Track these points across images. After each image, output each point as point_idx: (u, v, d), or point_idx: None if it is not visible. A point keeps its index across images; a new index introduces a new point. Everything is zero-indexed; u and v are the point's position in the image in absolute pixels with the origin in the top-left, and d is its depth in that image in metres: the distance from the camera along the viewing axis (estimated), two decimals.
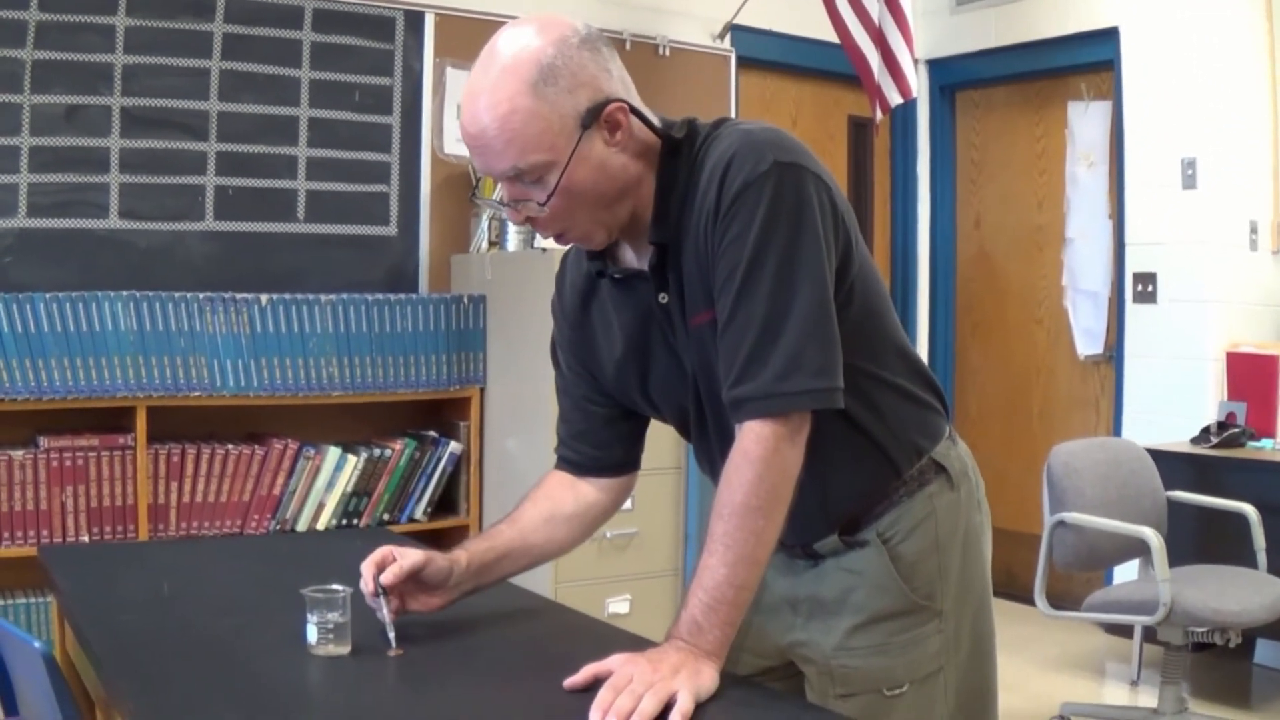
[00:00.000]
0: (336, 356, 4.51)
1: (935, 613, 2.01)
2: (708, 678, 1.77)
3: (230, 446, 4.39)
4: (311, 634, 1.96)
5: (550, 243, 4.23)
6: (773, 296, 1.81)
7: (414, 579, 2.03)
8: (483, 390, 4.77)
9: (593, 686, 1.75)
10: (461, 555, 2.09)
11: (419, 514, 4.72)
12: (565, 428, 2.20)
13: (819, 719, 1.83)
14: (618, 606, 4.54)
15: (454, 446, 4.74)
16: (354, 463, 4.57)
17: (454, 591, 2.10)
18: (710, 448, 2.04)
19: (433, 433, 4.77)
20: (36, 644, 1.92)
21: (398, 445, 4.66)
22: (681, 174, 1.90)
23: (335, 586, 1.98)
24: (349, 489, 4.58)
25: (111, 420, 4.25)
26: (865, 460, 2.00)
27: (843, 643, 2.01)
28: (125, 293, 4.20)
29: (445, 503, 4.82)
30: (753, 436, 1.82)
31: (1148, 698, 4.76)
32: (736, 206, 1.82)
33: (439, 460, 4.72)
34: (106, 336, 4.15)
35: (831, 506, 2.00)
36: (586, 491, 2.19)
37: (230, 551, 2.99)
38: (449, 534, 4.72)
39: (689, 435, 2.09)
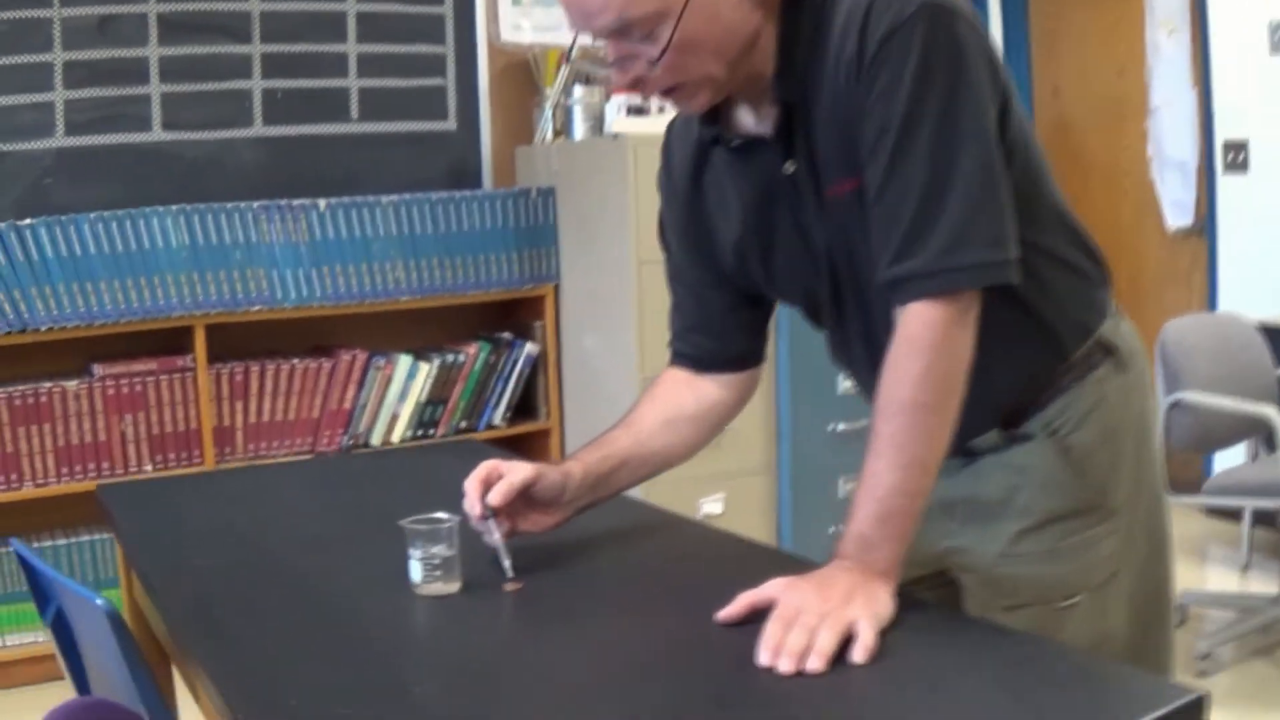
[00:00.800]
0: (401, 260, 4.34)
1: (1109, 511, 1.81)
2: (884, 602, 1.56)
3: (295, 361, 4.25)
4: (415, 571, 1.76)
5: (622, 127, 4.27)
6: (933, 158, 1.57)
7: (524, 496, 1.86)
8: (557, 288, 4.59)
9: (749, 620, 1.55)
10: (574, 467, 1.92)
11: (498, 420, 4.59)
12: (680, 319, 2.01)
13: (990, 637, 1.60)
14: (711, 507, 4.37)
15: (530, 348, 4.58)
16: (426, 370, 4.43)
17: (568, 508, 1.92)
18: (846, 338, 1.83)
19: (507, 334, 4.62)
20: (99, 600, 1.69)
21: (471, 349, 4.51)
22: (807, 22, 1.66)
23: (439, 515, 1.79)
24: (423, 398, 4.45)
25: (169, 342, 4.12)
26: (1030, 343, 1.78)
27: (1008, 549, 1.81)
28: (175, 207, 4.03)
29: (524, 407, 4.68)
30: (918, 321, 1.60)
31: (1260, 584, 4.59)
32: (883, 55, 1.57)
33: (515, 363, 4.57)
34: (158, 254, 3.99)
35: (993, 397, 1.77)
36: (707, 389, 2.00)
37: (306, 477, 2.75)
38: (530, 439, 4.60)
39: (820, 322, 1.89)
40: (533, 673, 1.51)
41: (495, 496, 1.81)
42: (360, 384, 4.35)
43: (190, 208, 4.05)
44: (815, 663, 1.44)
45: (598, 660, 1.57)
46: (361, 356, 4.34)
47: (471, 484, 1.83)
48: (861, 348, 1.80)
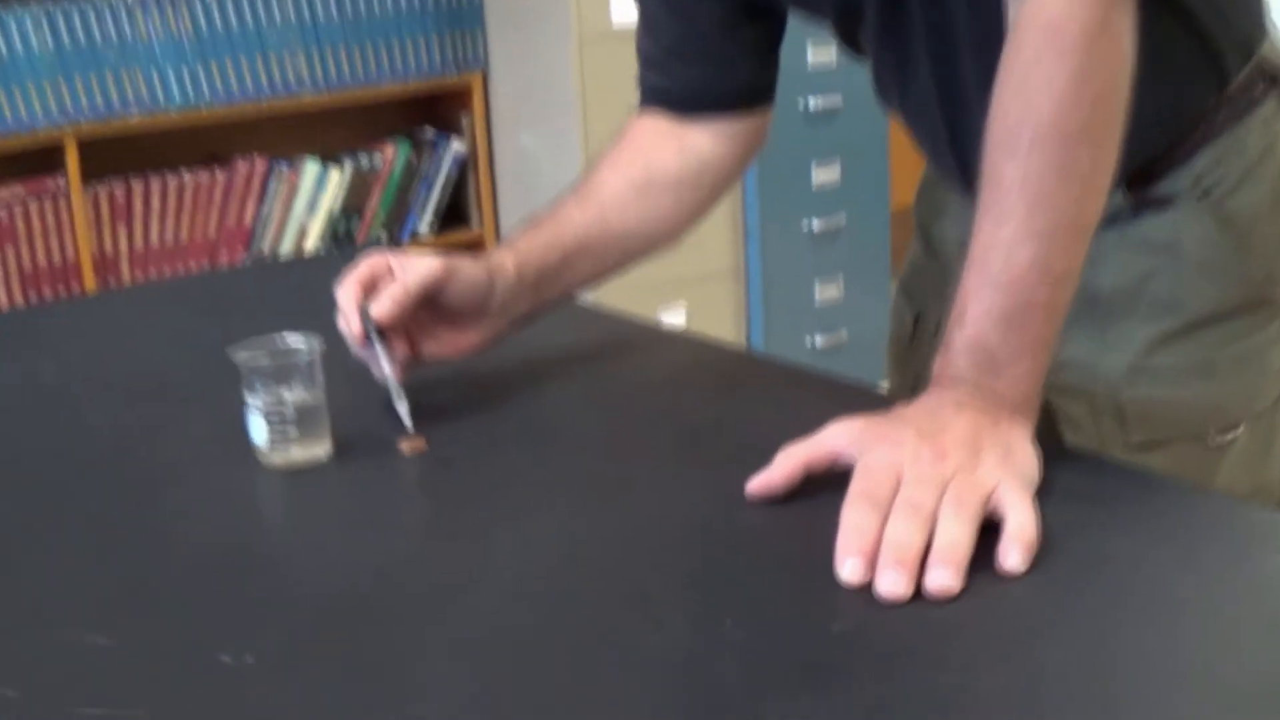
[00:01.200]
0: (303, 50, 3.93)
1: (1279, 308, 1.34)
2: (1027, 454, 1.05)
3: (185, 174, 3.85)
4: (258, 430, 1.23)
5: None
6: None
7: (430, 306, 1.35)
8: (485, 75, 4.19)
9: (800, 491, 1.07)
10: (505, 258, 1.40)
11: (423, 229, 4.22)
12: (652, 42, 1.53)
13: (1133, 483, 1.12)
14: (672, 317, 4.01)
15: (456, 146, 4.19)
16: (338, 176, 4.06)
17: (498, 320, 1.40)
18: (906, 61, 1.34)
19: (429, 132, 4.23)
20: None
21: (389, 150, 4.13)
22: None
23: (291, 337, 1.27)
24: (335, 208, 4.08)
25: (36, 162, 3.70)
26: (1176, 60, 1.28)
27: (1140, 361, 1.33)
28: (33, 4, 3.61)
29: (453, 214, 4.31)
30: (1059, 8, 1.10)
31: None
32: None
33: (440, 164, 4.19)
34: (16, 61, 3.58)
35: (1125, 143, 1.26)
36: (696, 142, 1.50)
37: (160, 300, 2.15)
38: (462, 251, 4.11)
39: (857, 43, 1.42)
40: (443, 597, 0.99)
41: (382, 307, 1.30)
42: (261, 196, 3.98)
43: (51, 4, 3.63)
44: (946, 577, 0.92)
45: (549, 571, 1.03)
46: (261, 165, 3.96)
47: (347, 291, 1.32)
48: (931, 79, 1.31)
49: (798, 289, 4.14)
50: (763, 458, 1.07)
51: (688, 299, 4.04)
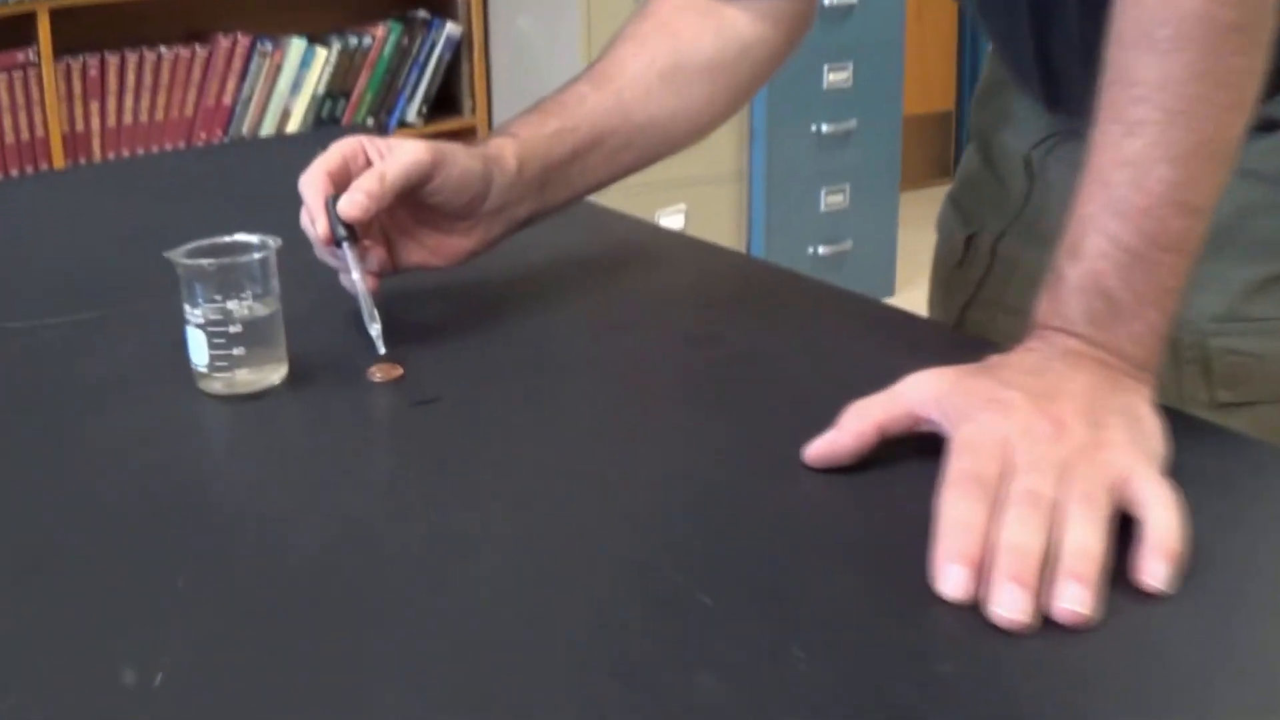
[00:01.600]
0: None
1: None
2: (1153, 425, 0.86)
3: (163, 49, 3.73)
4: (198, 348, 1.02)
5: None
6: None
7: (413, 203, 1.14)
8: None
9: (870, 461, 0.87)
10: (506, 148, 1.17)
11: (411, 116, 4.11)
12: None
13: (1227, 445, 0.94)
14: (670, 220, 3.88)
15: (450, 29, 4.08)
16: (324, 56, 3.96)
17: (492, 223, 1.18)
18: None
19: (422, 12, 4.11)
20: None
21: (379, 30, 4.02)
22: None
23: (243, 236, 1.05)
24: (320, 90, 3.97)
25: (5, 34, 3.57)
26: None
27: (1236, 307, 1.15)
28: None
29: (444, 101, 4.20)
30: None
31: None
32: None
33: (433, 46, 4.08)
34: None
35: None
36: (737, 21, 1.29)
37: (115, 181, 1.88)
38: (453, 138, 4.00)
39: None
40: (414, 567, 0.78)
41: (354, 203, 1.07)
42: (243, 75, 3.87)
43: None
44: (1080, 598, 0.70)
45: (545, 549, 0.80)
46: (244, 41, 3.84)
47: (312, 181, 1.10)
48: None
49: (802, 195, 4.03)
50: (809, 401, 0.89)
51: (687, 201, 3.93)
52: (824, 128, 3.97)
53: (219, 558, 0.78)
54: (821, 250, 4.03)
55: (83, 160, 3.65)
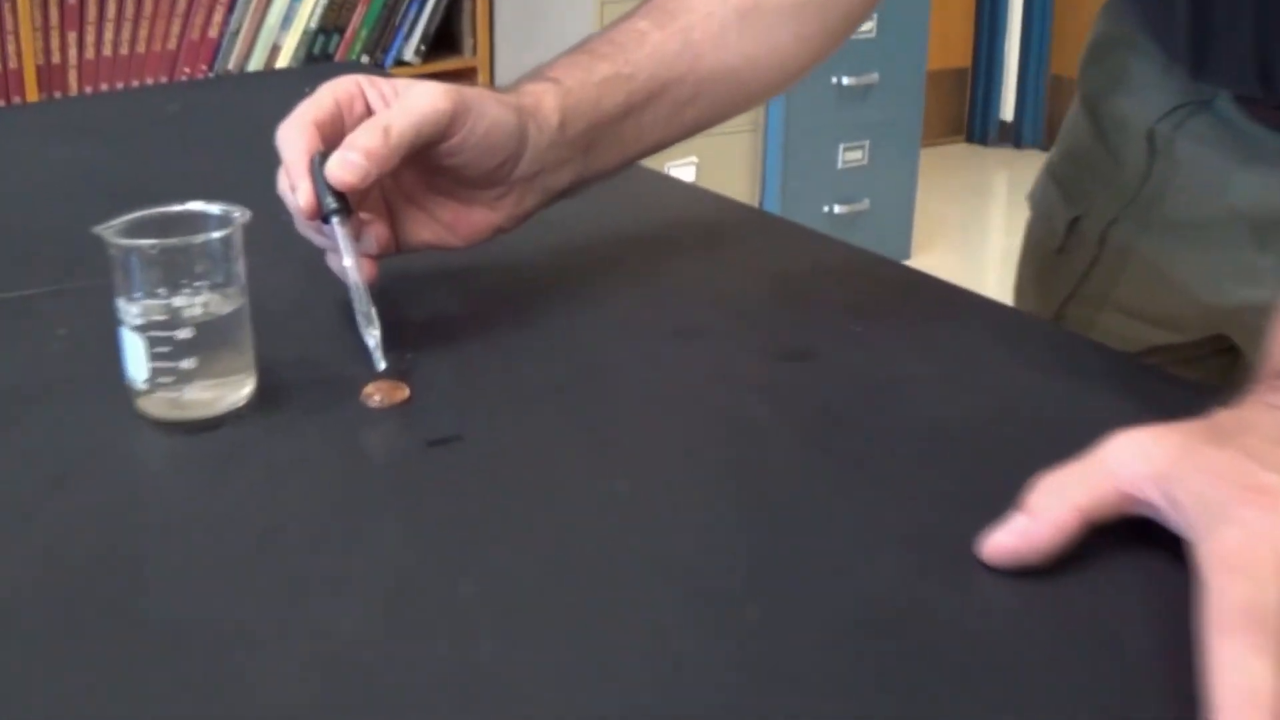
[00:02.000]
0: None
1: None
2: None
3: None
4: (135, 360, 0.77)
5: None
6: None
7: (424, 164, 0.90)
8: None
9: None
10: (545, 97, 0.94)
11: (409, 54, 3.96)
12: None
13: None
14: (681, 172, 3.71)
15: None
16: None
17: (525, 192, 0.94)
18: None
19: None
20: None
21: None
22: None
23: (197, 208, 0.80)
24: (312, 25, 3.85)
25: None
26: None
27: None
28: None
29: (444, 38, 4.04)
30: None
31: None
32: None
33: None
34: None
35: None
36: None
37: (92, 117, 1.62)
38: (449, 81, 3.86)
39: None
40: (430, 687, 0.55)
41: (349, 166, 0.83)
42: (230, 6, 3.75)
43: None
44: None
45: (613, 660, 0.58)
46: None
47: (293, 135, 0.86)
48: None
49: (820, 151, 3.91)
50: (941, 433, 0.70)
51: (698, 153, 3.78)
52: (845, 80, 3.86)
53: (145, 693, 0.55)
54: (838, 209, 3.91)
55: (58, 95, 3.51)
